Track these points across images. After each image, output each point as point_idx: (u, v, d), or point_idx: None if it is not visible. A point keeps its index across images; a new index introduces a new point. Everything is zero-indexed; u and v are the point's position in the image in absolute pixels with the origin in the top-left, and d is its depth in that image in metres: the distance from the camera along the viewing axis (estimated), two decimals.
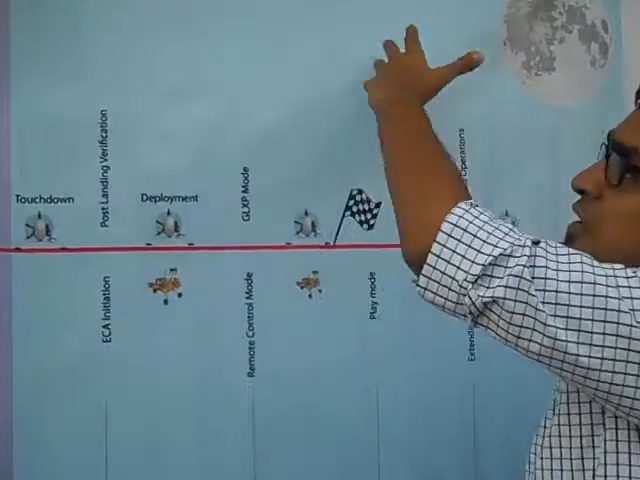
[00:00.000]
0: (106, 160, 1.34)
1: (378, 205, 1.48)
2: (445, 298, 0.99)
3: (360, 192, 1.47)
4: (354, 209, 1.47)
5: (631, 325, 0.89)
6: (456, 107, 1.50)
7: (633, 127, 1.02)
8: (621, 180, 0.99)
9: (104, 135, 1.34)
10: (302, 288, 1.43)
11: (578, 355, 0.90)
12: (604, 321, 0.90)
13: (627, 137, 1.00)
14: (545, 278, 0.92)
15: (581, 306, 0.90)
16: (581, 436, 1.00)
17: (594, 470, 0.97)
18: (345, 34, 1.46)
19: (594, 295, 0.91)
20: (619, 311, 0.90)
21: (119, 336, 1.33)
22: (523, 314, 0.92)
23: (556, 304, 0.91)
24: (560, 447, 1.01)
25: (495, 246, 0.95)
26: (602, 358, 0.90)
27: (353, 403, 1.44)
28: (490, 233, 0.96)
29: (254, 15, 1.42)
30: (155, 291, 1.35)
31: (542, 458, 1.03)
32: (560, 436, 1.02)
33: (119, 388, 1.32)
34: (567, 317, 0.91)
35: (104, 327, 1.32)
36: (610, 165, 1.01)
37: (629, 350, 0.90)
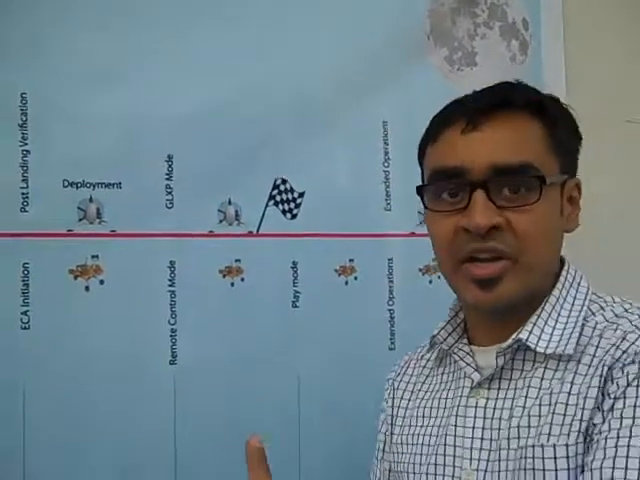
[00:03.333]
0: (26, 144, 1.32)
1: (302, 195, 1.49)
2: None
3: (284, 182, 1.48)
4: (277, 198, 1.48)
5: None
6: (379, 99, 1.52)
7: (506, 147, 1.01)
8: (540, 196, 0.99)
9: (24, 118, 1.32)
10: (225, 276, 1.44)
11: None
12: None
13: (508, 158, 1.00)
14: None
15: None
16: None
17: None
18: (268, 23, 1.47)
19: None
20: None
21: (38, 323, 1.31)
22: None
23: None
24: None
25: None
26: None
27: (274, 390, 1.45)
28: None
29: (178, 3, 1.41)
30: (76, 278, 1.34)
31: None
32: None
33: (38, 375, 1.30)
34: None
35: (22, 314, 1.30)
36: (492, 192, 0.99)
37: None
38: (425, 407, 1.12)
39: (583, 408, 0.95)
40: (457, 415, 1.05)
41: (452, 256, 1.03)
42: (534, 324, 1.02)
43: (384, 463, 1.20)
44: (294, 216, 1.49)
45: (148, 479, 1.37)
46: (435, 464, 1.06)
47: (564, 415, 0.96)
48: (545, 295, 1.04)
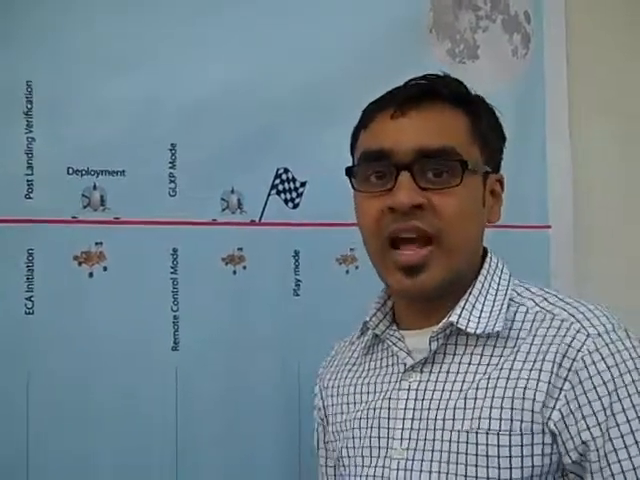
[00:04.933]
0: (31, 132, 1.33)
1: (303, 184, 1.51)
2: None
3: (286, 171, 1.50)
4: (280, 188, 1.49)
5: None
6: (381, 91, 1.53)
7: (431, 132, 1.05)
8: (461, 180, 1.04)
9: (29, 106, 1.33)
10: (227, 264, 1.45)
11: None
12: None
13: (432, 141, 1.04)
14: None
15: None
16: None
17: None
18: (272, 14, 1.48)
19: None
20: None
21: (42, 308, 1.32)
22: None
23: None
24: None
25: None
26: None
27: (275, 377, 1.47)
28: None
29: None
30: (80, 264, 1.35)
31: None
32: None
33: (42, 360, 1.32)
34: None
35: (27, 299, 1.32)
36: (417, 174, 1.03)
37: None
38: (355, 393, 1.16)
39: (533, 399, 0.98)
40: (390, 398, 1.09)
41: (377, 236, 1.07)
42: (462, 307, 1.06)
43: (328, 460, 1.24)
44: (296, 205, 1.50)
45: (150, 463, 1.38)
46: (370, 446, 1.09)
47: (502, 399, 0.99)
48: (470, 281, 1.09)
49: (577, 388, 0.97)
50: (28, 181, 1.33)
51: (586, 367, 0.98)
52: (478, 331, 1.04)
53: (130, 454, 1.36)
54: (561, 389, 0.98)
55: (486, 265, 1.11)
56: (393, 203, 1.03)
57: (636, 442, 0.95)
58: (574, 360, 0.98)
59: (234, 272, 1.45)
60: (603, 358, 0.98)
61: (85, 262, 1.35)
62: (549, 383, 0.98)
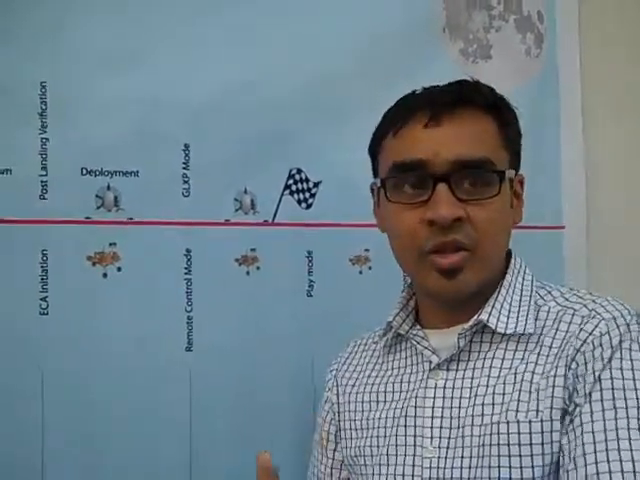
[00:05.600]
0: (45, 132, 1.34)
1: (317, 185, 1.51)
2: None
3: (299, 171, 1.50)
4: (293, 188, 1.49)
5: None
6: (395, 91, 1.52)
7: (467, 143, 1.04)
8: (500, 190, 1.04)
9: (44, 107, 1.34)
10: (240, 265, 1.45)
11: None
12: None
13: (469, 152, 1.04)
14: None
15: None
16: None
17: None
18: (286, 12, 1.48)
19: None
20: None
21: (56, 309, 1.33)
22: None
23: None
24: None
25: None
26: None
27: (289, 379, 1.47)
28: None
29: None
30: (94, 264, 1.35)
31: None
32: None
33: (56, 360, 1.32)
34: None
35: (41, 300, 1.32)
36: (456, 186, 1.03)
37: None
38: (379, 392, 1.15)
39: (553, 386, 1.00)
40: (417, 397, 1.09)
41: (415, 248, 1.06)
42: (492, 306, 1.07)
43: (335, 453, 1.23)
44: (309, 206, 1.50)
45: (163, 464, 1.38)
46: (396, 445, 1.09)
47: (529, 392, 1.01)
48: (496, 281, 1.10)
49: (581, 366, 0.99)
50: (42, 182, 1.33)
51: (593, 348, 0.99)
52: (508, 331, 1.05)
53: (144, 454, 1.36)
54: (570, 368, 1.00)
55: (511, 266, 1.11)
56: (434, 216, 1.02)
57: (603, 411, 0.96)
58: (584, 342, 1.00)
59: (247, 273, 1.45)
60: (611, 338, 0.99)
61: (99, 262, 1.36)
62: (565, 366, 1.00)
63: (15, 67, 1.32)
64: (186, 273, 1.41)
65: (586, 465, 0.93)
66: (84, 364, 1.34)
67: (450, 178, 1.03)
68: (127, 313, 1.36)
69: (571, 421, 0.97)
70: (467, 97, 1.07)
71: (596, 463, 0.93)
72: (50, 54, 1.34)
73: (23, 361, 1.31)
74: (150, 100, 1.39)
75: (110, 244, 1.36)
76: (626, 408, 0.95)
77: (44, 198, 1.33)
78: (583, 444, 0.95)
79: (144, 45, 1.39)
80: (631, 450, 0.92)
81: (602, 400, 0.96)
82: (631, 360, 0.98)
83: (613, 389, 0.97)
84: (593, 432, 0.95)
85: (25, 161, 1.33)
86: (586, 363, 0.99)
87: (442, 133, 1.05)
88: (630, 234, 1.80)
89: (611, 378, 0.97)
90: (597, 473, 0.92)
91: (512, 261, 1.12)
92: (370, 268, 1.52)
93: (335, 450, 1.24)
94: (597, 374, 0.98)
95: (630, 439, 0.93)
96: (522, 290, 1.10)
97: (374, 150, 1.14)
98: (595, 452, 0.94)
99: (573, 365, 0.99)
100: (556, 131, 1.74)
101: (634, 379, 0.97)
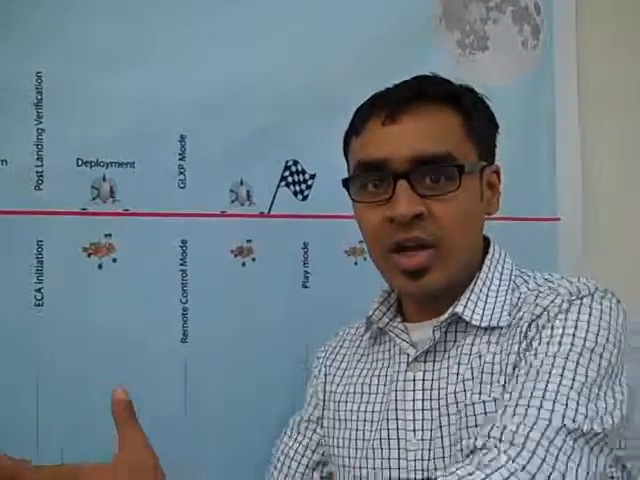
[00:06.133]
0: (41, 123, 1.33)
1: (313, 176, 1.51)
2: None
3: (295, 163, 1.49)
4: (289, 180, 1.49)
5: None
6: (390, 82, 1.52)
7: (426, 138, 1.05)
8: (459, 184, 1.04)
9: (39, 97, 1.33)
10: (236, 256, 1.45)
11: None
12: None
13: (427, 148, 1.04)
14: None
15: None
16: None
17: None
18: (282, 6, 1.48)
19: None
20: None
21: (52, 300, 1.33)
22: None
23: None
24: None
25: None
26: None
27: (284, 369, 1.47)
28: None
29: None
30: (89, 256, 1.35)
31: None
32: None
33: (51, 351, 1.32)
34: None
35: (36, 291, 1.32)
36: (414, 182, 1.03)
37: None
38: (363, 384, 1.17)
39: (507, 363, 1.01)
40: (397, 390, 1.10)
41: (380, 246, 1.09)
42: (468, 299, 1.07)
43: (314, 435, 1.25)
44: (305, 197, 1.50)
45: (160, 454, 1.38)
46: (380, 438, 1.10)
47: (491, 373, 1.02)
48: (473, 272, 1.10)
49: (529, 334, 1.00)
50: (38, 173, 1.33)
51: (548, 317, 1.00)
52: (483, 324, 1.06)
53: None
54: (527, 339, 1.00)
55: (489, 256, 1.12)
56: (393, 214, 1.04)
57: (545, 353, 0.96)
58: (539, 317, 1.01)
59: (243, 264, 1.45)
60: (562, 303, 1.00)
61: (94, 254, 1.35)
62: (520, 342, 1.01)
63: (11, 58, 1.31)
64: (181, 264, 1.41)
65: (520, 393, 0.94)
66: (79, 355, 1.33)
67: (410, 175, 1.04)
68: (122, 304, 1.36)
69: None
70: (424, 91, 1.07)
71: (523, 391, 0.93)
72: (46, 45, 1.33)
73: (18, 352, 1.31)
74: (146, 91, 1.38)
75: (105, 235, 1.36)
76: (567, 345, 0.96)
77: (39, 189, 1.33)
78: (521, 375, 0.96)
79: (141, 37, 1.38)
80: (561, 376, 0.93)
81: (541, 343, 0.97)
82: (578, 313, 0.99)
83: (552, 336, 0.97)
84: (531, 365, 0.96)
85: (20, 152, 1.32)
86: (536, 329, 0.99)
87: (399, 130, 1.06)
88: (625, 226, 1.80)
89: (552, 327, 0.98)
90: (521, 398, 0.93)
91: (491, 250, 1.13)
92: (365, 259, 1.50)
93: (315, 432, 1.25)
94: (540, 330, 0.99)
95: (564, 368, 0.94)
96: (501, 280, 1.10)
97: (344, 150, 1.16)
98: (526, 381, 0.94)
99: (527, 338, 1.00)
100: (552, 123, 1.74)
101: (575, 327, 0.97)
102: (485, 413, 1.00)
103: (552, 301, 1.01)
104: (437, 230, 1.04)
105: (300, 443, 1.26)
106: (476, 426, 1.00)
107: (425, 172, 1.04)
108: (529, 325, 1.01)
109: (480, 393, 1.01)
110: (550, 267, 1.61)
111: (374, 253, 1.11)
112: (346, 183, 1.12)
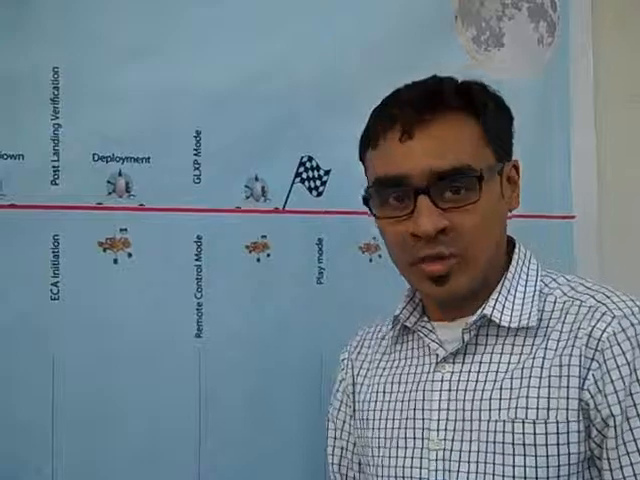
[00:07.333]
0: (57, 118, 1.34)
1: (327, 172, 1.51)
2: None
3: (310, 159, 1.49)
4: (304, 176, 1.49)
5: None
6: (406, 78, 1.52)
7: (443, 153, 1.04)
8: (480, 195, 1.03)
9: (56, 93, 1.34)
10: (251, 252, 1.45)
11: None
12: None
13: (444, 162, 1.03)
14: None
15: None
16: None
17: None
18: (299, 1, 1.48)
19: None
20: None
21: (67, 294, 1.33)
22: None
23: None
24: None
25: None
26: None
27: (298, 365, 1.47)
28: None
29: None
30: (105, 250, 1.36)
31: None
32: None
33: (67, 345, 1.33)
34: None
35: (53, 285, 1.33)
36: (435, 196, 1.03)
37: None
38: (387, 383, 1.16)
39: (567, 387, 1.00)
40: (424, 390, 1.10)
41: (404, 259, 1.08)
42: (496, 300, 1.07)
43: (350, 436, 1.25)
44: (320, 193, 1.50)
45: (173, 450, 1.39)
46: (405, 437, 1.10)
47: (538, 388, 1.01)
48: (499, 273, 1.10)
49: (602, 367, 0.99)
50: (54, 167, 1.34)
51: (611, 347, 0.99)
52: (512, 325, 1.05)
53: (153, 439, 1.37)
54: (589, 369, 0.99)
55: (515, 257, 1.11)
56: (416, 231, 1.03)
57: None
58: (599, 340, 0.99)
59: (258, 260, 1.46)
60: (628, 338, 0.99)
61: (110, 248, 1.36)
62: (579, 366, 1.00)
63: (28, 53, 1.32)
64: (196, 260, 1.41)
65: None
66: (94, 349, 1.34)
67: (430, 190, 1.03)
68: (137, 299, 1.37)
69: (611, 437, 0.98)
70: (439, 103, 1.05)
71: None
72: (63, 40, 1.34)
73: (34, 346, 1.32)
74: (162, 87, 1.39)
75: (121, 230, 1.37)
76: None
77: (56, 184, 1.34)
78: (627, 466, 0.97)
79: (157, 32, 1.39)
80: None
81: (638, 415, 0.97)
82: None
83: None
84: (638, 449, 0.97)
85: (37, 147, 1.33)
86: (607, 362, 0.98)
87: (417, 146, 1.04)
88: None
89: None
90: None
91: (517, 251, 1.12)
92: (380, 256, 1.52)
93: (350, 432, 1.25)
94: (627, 385, 0.97)
95: None
96: (527, 280, 1.10)
97: (361, 156, 1.15)
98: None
99: (594, 365, 0.99)
100: (567, 120, 1.73)
101: None
102: (532, 434, 1.00)
103: (609, 324, 1.00)
104: (461, 242, 1.04)
105: (352, 434, 1.26)
106: (514, 444, 1.00)
107: (445, 186, 1.04)
108: (594, 352, 1.00)
109: (527, 408, 1.01)
110: (565, 265, 1.61)
111: (400, 264, 1.11)
112: (366, 200, 1.11)
